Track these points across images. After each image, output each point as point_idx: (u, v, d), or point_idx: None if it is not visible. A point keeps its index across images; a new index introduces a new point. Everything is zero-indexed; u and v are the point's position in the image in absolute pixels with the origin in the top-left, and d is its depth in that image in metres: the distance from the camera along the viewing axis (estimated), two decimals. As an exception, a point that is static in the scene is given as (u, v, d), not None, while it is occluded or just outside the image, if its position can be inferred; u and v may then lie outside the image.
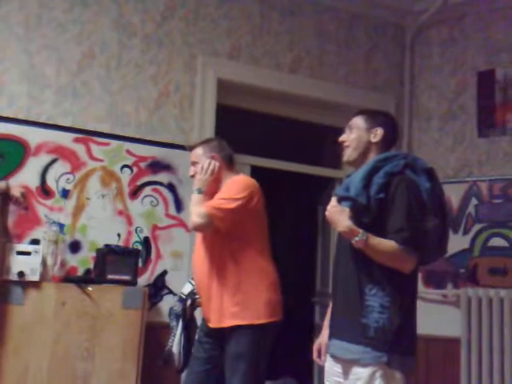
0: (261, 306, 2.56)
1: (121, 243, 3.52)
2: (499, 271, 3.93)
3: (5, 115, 3.37)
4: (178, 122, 3.78)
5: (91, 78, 3.60)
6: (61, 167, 3.46)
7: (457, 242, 3.99)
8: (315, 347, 2.42)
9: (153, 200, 3.65)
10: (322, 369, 2.36)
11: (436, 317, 3.94)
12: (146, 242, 3.60)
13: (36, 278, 3.11)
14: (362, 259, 2.10)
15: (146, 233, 3.61)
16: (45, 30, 3.53)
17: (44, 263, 3.22)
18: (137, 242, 3.58)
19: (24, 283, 3.09)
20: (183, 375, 2.93)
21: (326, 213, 2.14)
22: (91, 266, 3.42)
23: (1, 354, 3.01)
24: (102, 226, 3.50)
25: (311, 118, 4.40)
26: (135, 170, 3.63)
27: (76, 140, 3.51)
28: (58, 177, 3.45)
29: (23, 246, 3.20)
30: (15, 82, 3.43)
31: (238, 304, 2.56)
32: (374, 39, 4.48)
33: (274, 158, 4.26)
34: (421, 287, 3.80)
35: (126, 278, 3.28)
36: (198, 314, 2.92)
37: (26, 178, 3.38)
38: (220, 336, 2.61)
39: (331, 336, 2.22)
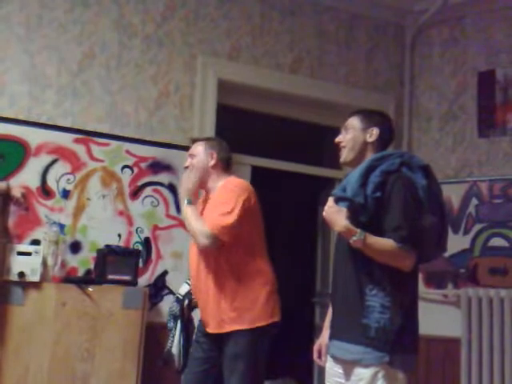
0: (259, 309, 2.56)
1: (121, 243, 3.52)
2: (499, 271, 3.93)
3: (6, 115, 3.37)
4: (178, 122, 3.78)
5: (91, 78, 3.60)
6: (61, 168, 3.46)
7: (457, 242, 4.00)
8: (315, 348, 2.42)
9: (153, 200, 3.65)
10: (322, 369, 2.36)
11: (436, 317, 3.93)
12: (146, 242, 3.60)
13: (36, 278, 3.11)
14: (361, 259, 2.10)
15: (147, 233, 3.61)
16: (45, 31, 3.53)
17: (44, 264, 3.23)
18: (137, 242, 3.58)
19: (24, 284, 3.09)
20: (183, 376, 2.93)
21: (324, 213, 2.14)
22: (92, 266, 3.42)
23: (1, 355, 3.01)
24: (103, 227, 3.50)
25: (311, 118, 4.39)
26: (136, 170, 3.63)
27: (76, 140, 3.51)
28: (59, 177, 3.45)
29: (24, 247, 3.21)
30: (16, 82, 3.43)
31: (236, 309, 2.56)
32: (375, 39, 4.48)
33: (273, 158, 4.26)
34: (421, 287, 3.78)
35: (127, 278, 3.29)
36: (195, 315, 2.91)
37: (26, 178, 3.38)
38: (218, 337, 2.61)
39: (331, 337, 2.22)
